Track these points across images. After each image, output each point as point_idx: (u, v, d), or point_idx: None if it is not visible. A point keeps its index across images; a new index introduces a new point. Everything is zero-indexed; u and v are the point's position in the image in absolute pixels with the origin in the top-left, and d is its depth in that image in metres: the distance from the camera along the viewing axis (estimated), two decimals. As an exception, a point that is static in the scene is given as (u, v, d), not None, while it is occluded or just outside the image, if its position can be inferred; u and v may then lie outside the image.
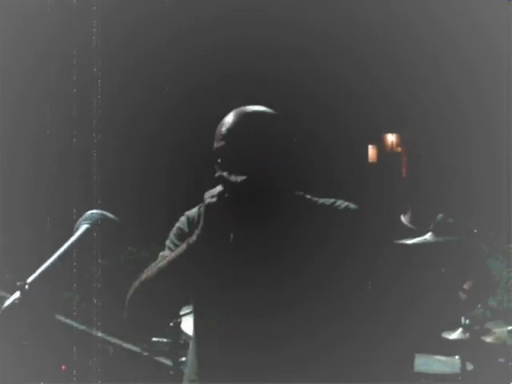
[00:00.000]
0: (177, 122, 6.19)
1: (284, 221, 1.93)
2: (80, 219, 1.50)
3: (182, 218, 2.04)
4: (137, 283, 1.88)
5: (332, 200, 1.95)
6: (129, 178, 6.01)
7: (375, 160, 6.76)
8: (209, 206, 1.80)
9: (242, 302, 1.92)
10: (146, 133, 5.96)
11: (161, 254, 1.98)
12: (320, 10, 5.92)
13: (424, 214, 3.55)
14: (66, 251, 1.40)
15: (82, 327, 2.36)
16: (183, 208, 2.04)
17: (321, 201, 1.97)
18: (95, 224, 1.49)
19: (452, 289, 3.56)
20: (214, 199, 1.80)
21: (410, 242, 3.28)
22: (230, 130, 1.90)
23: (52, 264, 1.34)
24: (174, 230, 2.03)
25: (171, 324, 3.20)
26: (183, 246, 1.83)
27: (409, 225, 3.63)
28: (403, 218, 3.68)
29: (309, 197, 1.97)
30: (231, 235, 1.85)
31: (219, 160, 1.89)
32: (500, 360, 3.27)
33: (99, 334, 1.95)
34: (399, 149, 6.73)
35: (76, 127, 5.96)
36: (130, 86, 6.09)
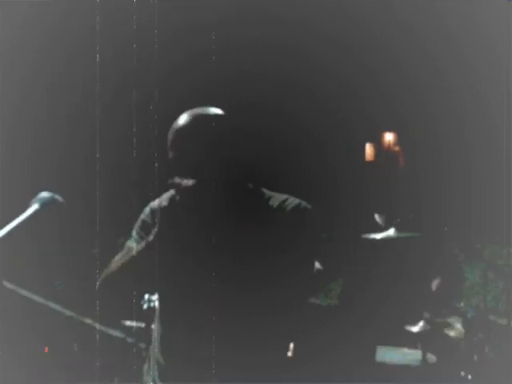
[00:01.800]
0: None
1: (236, 215, 2.02)
2: (33, 199, 1.59)
3: (146, 209, 2.13)
4: (104, 274, 2.00)
5: (284, 197, 2.02)
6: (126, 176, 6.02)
7: (372, 158, 6.73)
8: (162, 210, 1.89)
9: (198, 298, 2.01)
10: (144, 134, 5.94)
11: (127, 244, 2.08)
12: (320, 10, 5.92)
13: (396, 214, 3.64)
14: (13, 228, 1.50)
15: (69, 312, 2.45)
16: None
17: (273, 197, 2.03)
18: (44, 205, 1.57)
19: (416, 283, 3.66)
20: (165, 203, 1.89)
21: (377, 236, 3.37)
22: (176, 136, 2.02)
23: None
24: (139, 221, 2.12)
25: (144, 307, 3.26)
26: (142, 244, 1.92)
27: (380, 222, 3.70)
28: (377, 216, 3.74)
29: (264, 191, 2.05)
30: (188, 234, 1.95)
31: (172, 166, 1.99)
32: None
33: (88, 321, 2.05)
34: (397, 148, 6.70)
35: (76, 128, 5.96)
36: (130, 87, 6.08)
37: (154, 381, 2.13)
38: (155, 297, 2.93)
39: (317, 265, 2.10)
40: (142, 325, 3.49)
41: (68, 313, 2.94)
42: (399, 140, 6.47)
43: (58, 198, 1.61)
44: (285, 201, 2.10)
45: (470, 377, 3.26)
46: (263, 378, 2.02)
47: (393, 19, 6.09)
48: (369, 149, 6.47)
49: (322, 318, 3.13)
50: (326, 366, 3.01)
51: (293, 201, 2.09)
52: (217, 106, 2.20)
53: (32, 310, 2.93)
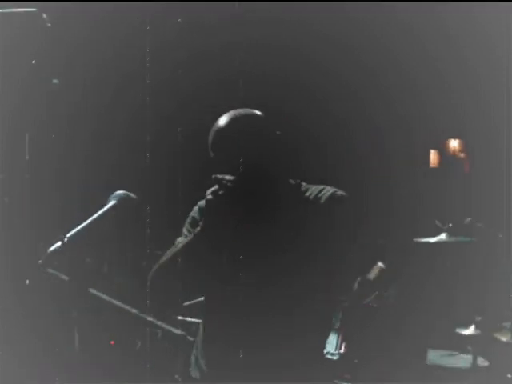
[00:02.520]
0: (181, 123, 6.19)
1: (277, 208, 2.10)
2: (110, 197, 1.83)
3: (195, 208, 2.27)
4: (155, 267, 2.11)
5: (321, 187, 2.09)
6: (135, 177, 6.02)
7: (437, 165, 6.73)
8: (207, 203, 2.00)
9: (243, 290, 2.07)
10: (148, 134, 5.95)
11: (178, 239, 2.21)
12: (321, 11, 5.92)
13: (451, 218, 3.68)
14: (94, 220, 1.73)
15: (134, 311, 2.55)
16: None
17: (312, 188, 2.10)
18: (121, 200, 1.81)
19: (467, 287, 3.69)
20: (210, 196, 1.99)
21: (431, 240, 3.42)
22: (218, 136, 2.13)
23: (82, 229, 1.70)
24: (189, 218, 2.27)
25: (197, 301, 3.33)
26: (190, 236, 2.03)
27: (439, 224, 3.74)
28: (438, 222, 3.77)
29: (303, 184, 2.13)
30: (230, 227, 2.05)
31: (215, 164, 2.11)
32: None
33: (149, 319, 2.14)
34: (462, 154, 6.69)
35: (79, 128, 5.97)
36: (132, 87, 6.09)
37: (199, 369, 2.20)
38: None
39: (379, 264, 2.15)
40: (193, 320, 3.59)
41: (132, 310, 2.98)
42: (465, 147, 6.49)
43: (132, 195, 1.85)
44: (321, 190, 2.17)
45: None
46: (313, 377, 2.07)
47: (393, 20, 6.10)
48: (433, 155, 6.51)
49: (375, 319, 3.15)
50: (377, 366, 3.03)
51: (328, 190, 2.16)
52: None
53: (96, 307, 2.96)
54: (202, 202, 2.19)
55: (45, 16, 4.59)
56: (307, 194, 2.19)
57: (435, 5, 5.84)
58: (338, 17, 6.00)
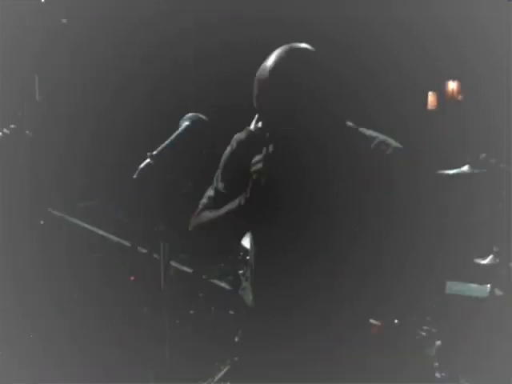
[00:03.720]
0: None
1: (335, 152, 1.99)
2: (181, 119, 1.98)
3: (227, 150, 2.16)
4: (194, 222, 2.09)
5: (382, 136, 2.01)
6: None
7: (434, 107, 6.64)
8: (255, 173, 1.88)
9: (293, 241, 2.03)
10: (148, 131, 5.95)
11: (207, 193, 2.14)
12: (321, 11, 5.92)
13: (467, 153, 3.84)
14: (175, 138, 1.92)
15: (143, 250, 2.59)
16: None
17: (372, 134, 2.02)
18: (194, 122, 1.96)
19: (484, 217, 3.83)
20: (271, 149, 1.86)
21: (449, 172, 3.55)
22: (272, 71, 1.96)
23: (167, 145, 1.91)
24: (221, 164, 2.16)
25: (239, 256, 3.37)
26: (235, 202, 1.98)
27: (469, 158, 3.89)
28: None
29: (361, 129, 2.03)
30: (292, 174, 1.94)
31: (261, 103, 1.95)
32: None
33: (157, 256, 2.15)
34: (460, 96, 6.58)
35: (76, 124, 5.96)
36: (131, 84, 6.09)
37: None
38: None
39: None
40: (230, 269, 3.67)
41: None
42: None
43: (203, 116, 1.97)
44: (376, 138, 2.09)
45: None
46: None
47: (393, 19, 6.09)
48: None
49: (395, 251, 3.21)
50: (399, 298, 3.10)
51: (388, 140, 2.09)
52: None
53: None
54: (242, 135, 2.13)
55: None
56: (366, 139, 2.09)
57: (435, 4, 5.84)
58: (338, 17, 6.00)
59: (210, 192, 2.17)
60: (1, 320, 3.88)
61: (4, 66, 5.19)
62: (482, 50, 5.91)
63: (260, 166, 1.93)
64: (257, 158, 1.94)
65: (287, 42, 2.15)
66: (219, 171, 2.18)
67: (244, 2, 5.94)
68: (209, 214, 2.12)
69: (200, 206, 2.17)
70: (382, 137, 2.10)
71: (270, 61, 2.00)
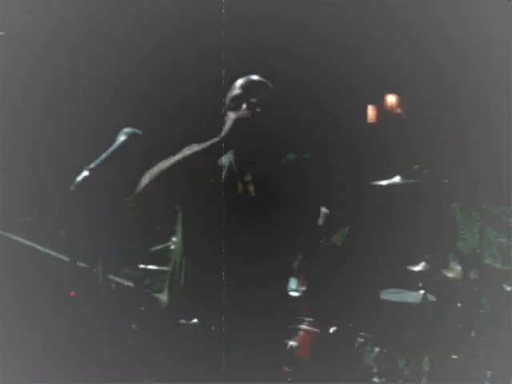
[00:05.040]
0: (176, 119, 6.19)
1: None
2: (119, 133, 2.05)
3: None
4: (154, 169, 2.20)
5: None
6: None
7: (374, 120, 6.71)
8: (237, 120, 2.16)
9: (230, 220, 2.21)
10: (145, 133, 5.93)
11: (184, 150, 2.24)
12: (322, 12, 5.93)
13: (400, 164, 3.97)
14: (111, 152, 1.99)
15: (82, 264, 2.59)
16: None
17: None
18: (130, 137, 2.03)
19: (419, 227, 3.98)
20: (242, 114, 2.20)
21: (382, 182, 3.66)
22: (244, 83, 2.42)
23: (104, 158, 1.96)
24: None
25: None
26: (206, 143, 2.09)
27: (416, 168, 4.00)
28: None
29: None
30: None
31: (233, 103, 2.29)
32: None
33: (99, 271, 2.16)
34: (399, 110, 6.66)
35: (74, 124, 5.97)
36: (130, 84, 6.10)
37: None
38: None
39: (323, 209, 2.20)
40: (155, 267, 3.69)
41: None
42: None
43: (138, 131, 2.07)
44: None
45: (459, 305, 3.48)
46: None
47: (391, 20, 6.10)
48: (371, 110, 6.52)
49: (332, 259, 3.29)
50: (333, 301, 3.18)
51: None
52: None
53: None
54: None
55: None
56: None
57: (434, 5, 5.85)
58: (337, 18, 6.01)
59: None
60: (1, 320, 3.88)
61: (4, 66, 5.20)
62: (482, 51, 5.92)
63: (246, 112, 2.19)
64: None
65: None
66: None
67: (244, 2, 5.95)
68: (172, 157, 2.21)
69: None
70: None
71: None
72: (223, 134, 2.16)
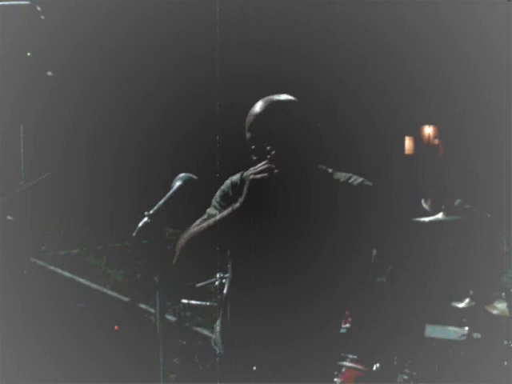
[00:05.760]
0: (176, 122, 6.20)
1: (311, 191, 2.21)
2: (175, 179, 2.13)
3: (227, 182, 2.35)
4: (186, 235, 2.23)
5: (349, 175, 2.18)
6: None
7: (412, 152, 6.76)
8: (251, 183, 2.12)
9: (272, 269, 2.18)
10: (146, 133, 5.96)
11: (208, 210, 2.31)
12: (324, 14, 5.94)
13: (442, 200, 3.97)
14: (167, 199, 2.06)
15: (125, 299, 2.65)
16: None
17: (339, 173, 2.19)
18: (186, 182, 2.11)
19: (461, 262, 4.00)
20: (253, 176, 2.11)
21: (425, 219, 3.68)
22: (257, 119, 2.19)
23: (162, 204, 2.05)
24: (220, 191, 2.34)
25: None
26: (228, 210, 2.16)
27: (427, 208, 4.01)
28: (423, 203, 4.07)
29: (330, 170, 2.20)
30: (269, 206, 2.16)
31: (252, 146, 2.18)
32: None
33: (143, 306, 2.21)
34: (436, 141, 6.71)
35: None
36: (130, 87, 6.11)
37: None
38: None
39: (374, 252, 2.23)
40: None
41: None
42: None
43: (194, 176, 2.13)
44: (350, 177, 2.26)
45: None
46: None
47: (394, 21, 6.11)
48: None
49: (375, 296, 3.30)
50: (377, 338, 3.18)
51: (357, 178, 2.26)
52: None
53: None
54: (235, 178, 2.31)
55: (39, 9, 4.63)
56: (337, 177, 2.27)
57: (435, 5, 5.86)
58: (339, 18, 6.02)
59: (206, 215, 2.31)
60: (1, 320, 3.89)
61: (4, 67, 5.21)
62: (482, 50, 5.93)
63: (259, 175, 2.13)
64: (252, 169, 2.14)
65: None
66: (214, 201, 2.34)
67: (247, 4, 5.97)
68: (201, 224, 2.26)
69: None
70: (354, 177, 2.31)
71: (254, 111, 2.24)
72: (241, 199, 2.18)
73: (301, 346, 2.11)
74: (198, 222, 2.27)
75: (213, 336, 2.30)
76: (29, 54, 5.00)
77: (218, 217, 2.22)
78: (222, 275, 3.54)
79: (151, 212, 2.04)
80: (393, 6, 5.97)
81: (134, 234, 2.00)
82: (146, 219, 2.02)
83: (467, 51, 5.98)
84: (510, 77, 5.18)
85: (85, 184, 6.00)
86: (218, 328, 2.29)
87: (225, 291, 2.36)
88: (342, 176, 2.26)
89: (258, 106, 2.22)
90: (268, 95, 2.25)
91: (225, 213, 2.20)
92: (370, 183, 2.23)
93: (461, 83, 6.31)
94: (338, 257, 2.13)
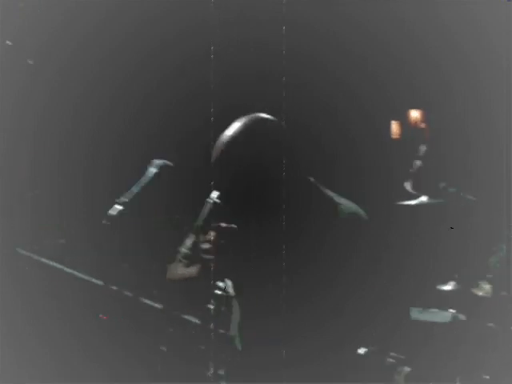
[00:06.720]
0: (174, 120, 6.18)
1: (294, 210, 2.06)
2: (148, 166, 2.04)
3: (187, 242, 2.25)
4: (178, 276, 2.20)
5: (342, 199, 2.10)
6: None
7: (398, 136, 6.70)
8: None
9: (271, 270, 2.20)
10: (145, 133, 5.94)
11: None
12: (323, 13, 5.93)
13: (425, 182, 3.99)
14: (143, 185, 1.97)
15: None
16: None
17: (330, 197, 2.11)
18: (161, 169, 2.02)
19: (446, 245, 3.98)
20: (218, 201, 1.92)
21: (410, 203, 3.71)
22: (230, 142, 2.10)
23: (136, 192, 1.96)
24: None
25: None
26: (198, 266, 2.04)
27: (411, 190, 4.02)
28: (406, 185, 4.08)
29: (321, 188, 2.12)
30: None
31: (220, 170, 2.11)
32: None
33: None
34: (423, 125, 6.65)
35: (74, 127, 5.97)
36: (129, 87, 6.09)
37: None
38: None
39: None
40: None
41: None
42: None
43: (169, 163, 2.06)
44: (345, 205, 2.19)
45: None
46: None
47: (393, 20, 6.10)
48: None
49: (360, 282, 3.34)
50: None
51: (350, 207, 2.18)
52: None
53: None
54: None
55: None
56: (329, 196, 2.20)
57: (435, 4, 5.85)
58: (338, 17, 6.01)
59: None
60: (1, 320, 3.88)
61: (3, 67, 5.20)
62: (482, 50, 5.91)
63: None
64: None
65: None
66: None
67: (246, 4, 5.95)
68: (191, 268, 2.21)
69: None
70: (351, 205, 2.23)
71: (229, 131, 2.15)
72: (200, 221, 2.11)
73: (301, 346, 2.09)
74: (186, 246, 2.18)
75: (231, 333, 2.27)
76: (8, 42, 4.96)
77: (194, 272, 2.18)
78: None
79: (127, 200, 1.95)
80: (393, 5, 5.96)
81: (104, 222, 1.92)
82: (120, 207, 1.94)
83: (467, 51, 5.97)
84: (510, 77, 5.18)
85: (85, 184, 5.99)
86: (235, 325, 2.25)
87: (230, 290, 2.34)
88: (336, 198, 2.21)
89: (231, 131, 2.13)
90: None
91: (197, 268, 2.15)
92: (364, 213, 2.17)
93: (461, 83, 6.30)
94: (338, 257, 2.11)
